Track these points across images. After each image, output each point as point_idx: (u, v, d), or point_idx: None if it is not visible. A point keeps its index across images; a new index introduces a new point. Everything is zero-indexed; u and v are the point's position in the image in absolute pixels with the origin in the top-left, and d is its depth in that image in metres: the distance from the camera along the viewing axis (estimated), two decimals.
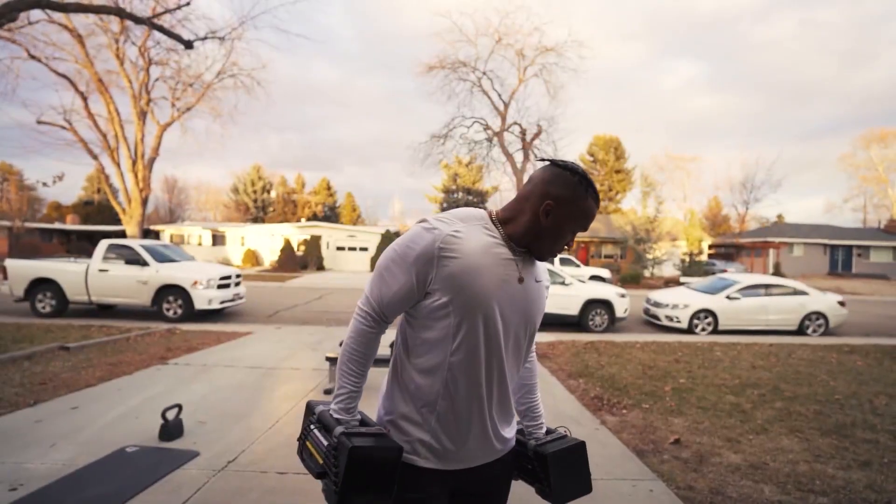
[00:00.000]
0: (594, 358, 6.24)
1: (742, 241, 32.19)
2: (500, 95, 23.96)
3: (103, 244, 9.09)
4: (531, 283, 1.15)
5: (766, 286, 10.51)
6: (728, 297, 10.18)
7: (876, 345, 7.94)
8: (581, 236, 30.10)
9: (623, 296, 9.79)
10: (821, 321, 10.09)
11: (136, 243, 9.30)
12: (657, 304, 10.53)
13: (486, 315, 1.07)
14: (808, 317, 10.09)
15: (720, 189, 49.75)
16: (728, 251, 33.17)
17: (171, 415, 3.21)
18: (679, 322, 9.92)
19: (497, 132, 23.91)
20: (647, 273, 22.87)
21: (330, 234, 27.01)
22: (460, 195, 40.26)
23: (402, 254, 1.09)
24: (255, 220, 42.98)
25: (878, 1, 65.94)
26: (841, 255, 31.60)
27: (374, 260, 25.92)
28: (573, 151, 45.77)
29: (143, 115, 18.00)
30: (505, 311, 1.10)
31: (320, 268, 24.34)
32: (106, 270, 8.80)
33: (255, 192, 46.27)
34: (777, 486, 2.82)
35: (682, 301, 10.18)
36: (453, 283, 1.05)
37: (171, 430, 3.16)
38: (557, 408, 4.22)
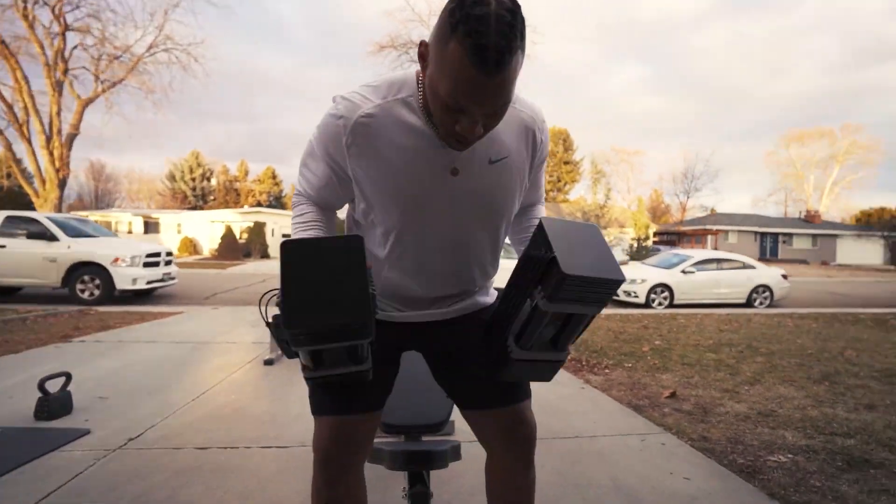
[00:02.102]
0: None
1: (683, 228, 33.71)
2: None
3: None
4: (476, 170, 0.89)
5: (718, 261, 10.71)
6: (683, 272, 10.25)
7: (821, 312, 8.17)
8: None
9: None
10: (766, 293, 10.37)
11: (43, 215, 8.02)
12: None
13: (413, 228, 0.91)
14: (755, 289, 10.34)
15: (663, 180, 51.98)
16: (671, 238, 34.57)
17: (53, 387, 2.45)
18: (637, 297, 9.88)
19: None
20: None
21: (276, 221, 25.48)
22: None
23: (312, 147, 0.94)
24: (194, 209, 40.24)
25: (796, 18, 71.82)
26: (769, 242, 33.72)
27: None
28: None
29: (58, 87, 15.96)
30: (438, 216, 0.90)
31: (265, 256, 22.90)
32: (3, 247, 7.50)
33: (193, 179, 43.22)
34: (798, 431, 2.49)
35: (639, 276, 10.14)
36: (369, 187, 0.89)
37: (53, 406, 2.40)
38: None
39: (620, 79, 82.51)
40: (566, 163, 46.03)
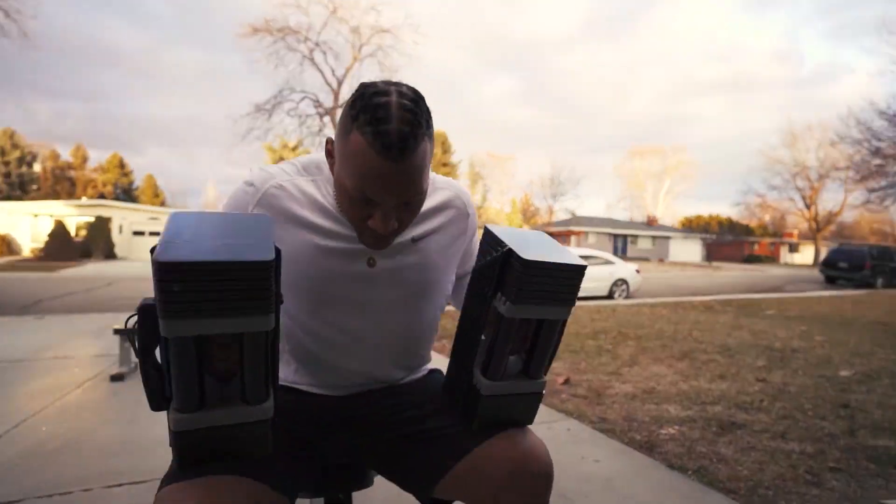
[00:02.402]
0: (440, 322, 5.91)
1: (551, 229, 36.89)
2: (333, 72, 22.54)
3: None
4: (397, 254, 0.82)
5: (584, 258, 11.74)
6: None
7: (666, 301, 9.44)
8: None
9: None
10: (624, 286, 11.67)
11: None
12: None
13: (314, 325, 0.83)
14: (615, 283, 11.57)
15: (533, 185, 56.31)
16: None
17: None
18: None
19: (329, 109, 22.45)
20: None
21: (124, 216, 21.99)
22: None
23: None
24: (9, 198, 32.97)
25: (638, 51, 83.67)
26: (620, 242, 38.52)
27: None
28: None
29: None
30: (351, 312, 0.83)
31: (110, 256, 19.60)
32: None
33: (6, 163, 35.47)
34: (677, 404, 2.72)
35: None
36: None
37: None
38: None
39: (494, 88, 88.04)
40: (444, 165, 47.38)
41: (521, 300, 0.69)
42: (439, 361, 0.93)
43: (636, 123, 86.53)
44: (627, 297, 11.51)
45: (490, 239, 0.76)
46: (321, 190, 0.81)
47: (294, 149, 34.50)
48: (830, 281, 16.66)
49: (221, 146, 79.26)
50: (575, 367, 3.66)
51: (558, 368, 3.61)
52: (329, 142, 0.76)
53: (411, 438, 0.85)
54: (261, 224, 0.62)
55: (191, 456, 0.62)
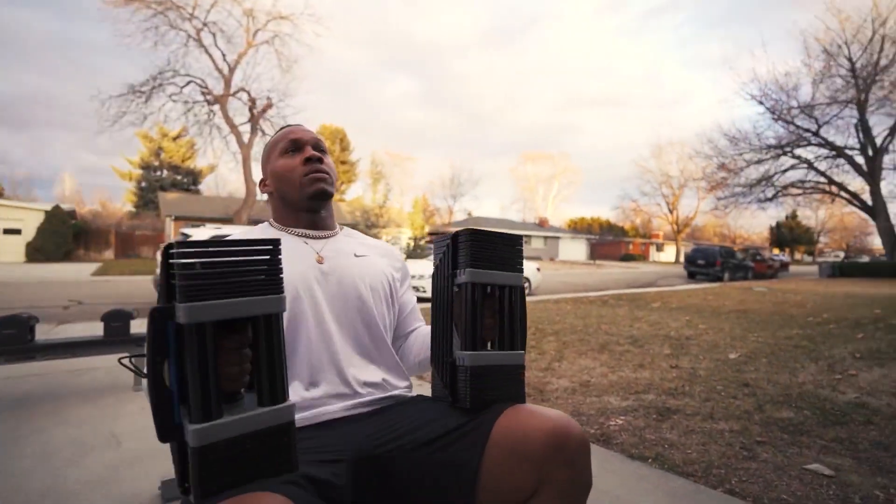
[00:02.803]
0: None
1: (451, 229, 37.81)
2: (224, 56, 20.62)
3: None
4: (341, 259, 1.04)
5: None
6: None
7: (566, 297, 10.14)
8: None
9: None
10: (527, 283, 12.31)
11: None
12: None
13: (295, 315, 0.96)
14: None
15: (433, 184, 57.22)
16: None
17: None
18: (425, 291, 10.41)
19: (220, 97, 20.53)
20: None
21: None
22: (165, 173, 33.38)
23: None
24: None
25: (529, 62, 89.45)
26: None
27: (33, 247, 18.66)
28: None
29: None
30: (315, 303, 0.98)
31: None
32: None
33: None
34: (615, 395, 2.88)
35: (426, 271, 10.75)
36: None
37: None
38: None
39: (395, 88, 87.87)
40: (343, 162, 46.09)
41: (475, 264, 0.83)
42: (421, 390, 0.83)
43: (528, 130, 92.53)
44: (529, 294, 12.16)
45: (438, 239, 0.93)
46: (266, 230, 1.07)
47: (175, 138, 30.97)
48: (691, 276, 19.25)
49: (82, 131, 68.41)
50: None
51: None
52: (261, 182, 1.10)
53: (430, 447, 0.84)
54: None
55: (215, 481, 0.55)
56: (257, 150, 21.37)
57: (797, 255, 53.52)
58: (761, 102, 23.36)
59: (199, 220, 19.51)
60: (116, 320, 3.01)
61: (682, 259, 40.58)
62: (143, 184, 32.60)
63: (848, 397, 2.95)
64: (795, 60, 43.47)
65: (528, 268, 12.53)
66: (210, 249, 0.56)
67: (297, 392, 0.88)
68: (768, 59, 51.23)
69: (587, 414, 2.57)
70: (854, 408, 2.74)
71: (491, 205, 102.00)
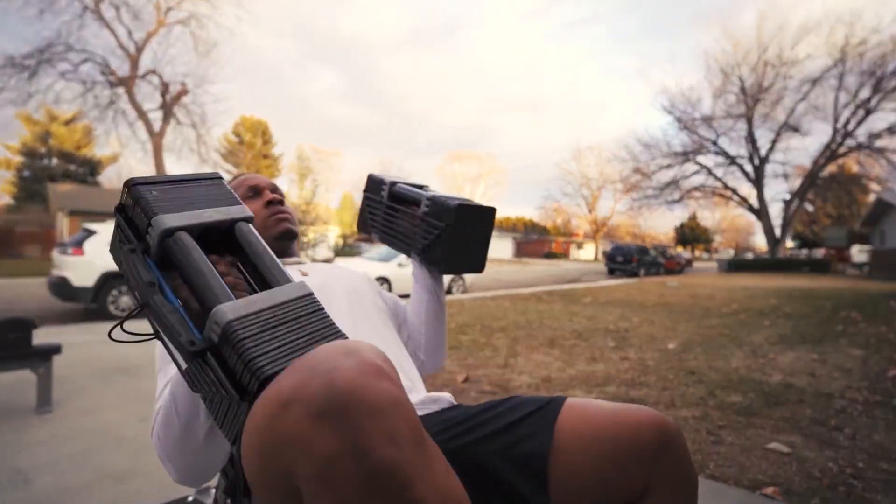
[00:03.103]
0: None
1: None
2: (130, 34, 18.60)
3: None
4: (320, 269, 1.05)
5: None
6: (399, 265, 11.14)
7: (501, 294, 10.36)
8: None
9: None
10: (461, 281, 12.38)
11: None
12: None
13: None
14: (453, 279, 12.19)
15: (362, 181, 56.20)
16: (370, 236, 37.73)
17: None
18: None
19: (125, 78, 18.51)
20: (303, 255, 23.01)
21: None
22: (55, 161, 29.53)
23: None
24: None
25: (457, 61, 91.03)
26: None
27: None
28: (220, 127, 41.78)
29: None
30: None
31: None
32: None
33: None
34: (580, 389, 2.93)
35: (360, 270, 10.47)
36: None
37: None
38: None
39: (320, 83, 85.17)
40: (265, 156, 43.74)
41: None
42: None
43: (456, 130, 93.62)
44: (464, 291, 12.26)
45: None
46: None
47: (68, 122, 27.50)
48: (611, 272, 20.53)
49: None
50: (465, 364, 3.66)
51: (451, 366, 3.57)
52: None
53: (496, 441, 0.75)
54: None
55: (267, 355, 0.48)
56: (171, 138, 19.61)
57: (697, 253, 59.30)
58: (670, 112, 25.57)
59: (102, 216, 17.51)
60: (13, 331, 2.54)
61: (600, 256, 43.37)
62: (26, 173, 28.61)
63: (776, 379, 3.23)
64: (699, 76, 48.13)
65: None
66: (162, 182, 0.59)
67: None
68: (676, 74, 56.43)
69: None
70: (784, 388, 3.00)
71: None
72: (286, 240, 1.02)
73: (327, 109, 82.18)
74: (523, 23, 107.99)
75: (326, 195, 43.59)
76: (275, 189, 1.07)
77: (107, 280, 6.29)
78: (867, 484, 1.82)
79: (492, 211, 1.02)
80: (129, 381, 3.12)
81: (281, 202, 1.03)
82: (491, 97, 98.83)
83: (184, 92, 19.55)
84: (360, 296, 0.98)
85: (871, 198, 22.65)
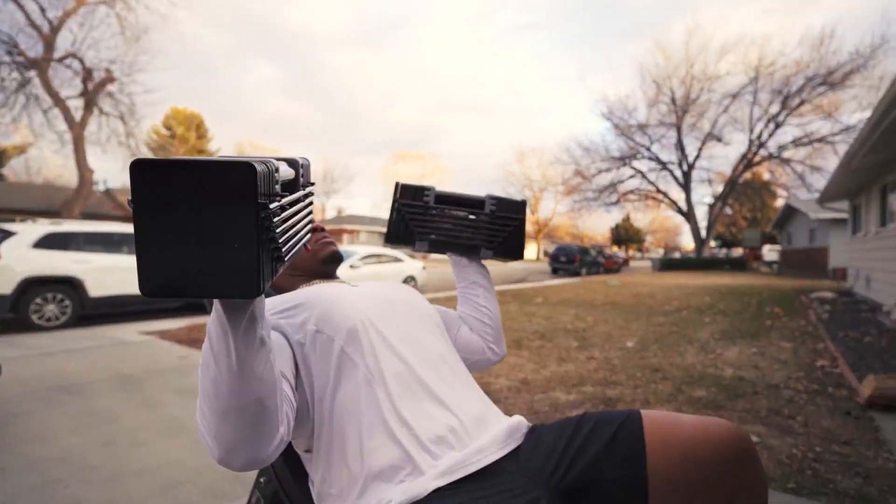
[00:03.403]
0: None
1: (325, 227, 36.38)
2: (44, 11, 16.79)
3: None
4: (366, 284, 1.10)
5: (378, 256, 12.02)
6: (351, 266, 10.94)
7: (453, 294, 10.45)
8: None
9: None
10: (414, 282, 12.36)
11: None
12: None
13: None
14: (406, 279, 12.14)
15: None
16: None
17: None
18: None
19: (37, 60, 16.71)
20: None
21: None
22: None
23: None
24: None
25: (403, 60, 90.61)
26: None
27: None
28: (152, 120, 38.94)
29: None
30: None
31: None
32: None
33: None
34: (558, 391, 3.01)
35: None
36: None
37: None
38: None
39: (258, 76, 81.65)
40: (200, 151, 41.33)
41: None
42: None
43: (401, 130, 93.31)
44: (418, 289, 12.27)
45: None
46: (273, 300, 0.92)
47: None
48: (555, 271, 21.27)
49: None
50: None
51: None
52: None
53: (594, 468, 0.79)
54: None
55: None
56: (95, 129, 18.00)
57: (630, 252, 62.86)
58: (609, 119, 26.90)
59: (12, 213, 15.72)
60: None
61: (542, 256, 44.80)
62: None
63: (728, 373, 3.51)
64: (635, 85, 50.97)
65: (415, 266, 12.61)
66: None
67: (446, 453, 0.76)
68: (614, 82, 59.44)
69: (543, 411, 2.64)
70: (738, 382, 3.27)
71: (363, 203, 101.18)
72: (333, 262, 1.06)
73: (266, 104, 79.02)
74: (468, 25, 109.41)
75: None
76: (324, 229, 1.14)
77: (28, 286, 5.68)
78: (827, 466, 2.03)
79: (526, 203, 1.17)
80: (80, 401, 2.84)
81: (322, 229, 1.09)
82: (435, 97, 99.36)
83: (109, 79, 17.97)
84: (419, 309, 1.00)
85: (780, 203, 25.16)
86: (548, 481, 0.76)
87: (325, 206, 44.28)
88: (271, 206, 0.50)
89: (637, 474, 0.75)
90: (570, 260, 20.81)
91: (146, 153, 24.18)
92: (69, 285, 6.03)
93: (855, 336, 4.96)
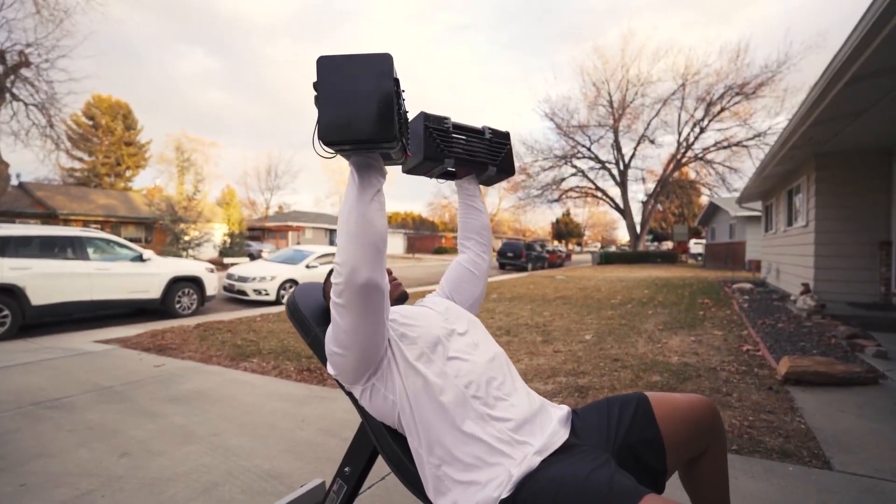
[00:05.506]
0: (225, 338, 5.19)
1: (269, 224, 35.06)
2: None
3: None
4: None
5: (333, 255, 11.97)
6: (307, 266, 10.86)
7: (411, 290, 10.66)
8: (96, 215, 23.91)
9: (212, 271, 8.64)
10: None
11: None
12: (242, 279, 9.94)
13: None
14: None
15: (248, 175, 52.07)
16: (255, 234, 35.29)
17: None
18: (268, 294, 9.76)
19: None
20: (184, 255, 20.83)
21: None
22: None
23: None
24: None
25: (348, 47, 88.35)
26: (334, 237, 40.04)
27: None
28: (70, 107, 35.49)
29: None
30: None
31: None
32: None
33: None
34: (536, 382, 3.35)
35: (268, 273, 10.06)
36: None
37: None
38: (267, 406, 3.25)
39: (191, 65, 76.82)
40: (128, 143, 38.37)
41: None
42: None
43: None
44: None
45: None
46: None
47: None
48: (502, 266, 21.99)
49: None
50: None
51: None
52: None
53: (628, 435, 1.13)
54: None
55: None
56: (7, 117, 16.41)
57: (570, 246, 65.74)
58: (552, 119, 28.01)
59: None
60: None
61: None
62: None
63: (675, 360, 4.02)
64: (576, 88, 53.04)
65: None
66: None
67: (534, 438, 1.06)
68: (556, 83, 61.54)
69: None
70: (684, 367, 3.77)
71: (307, 199, 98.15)
72: (402, 301, 1.38)
73: (202, 95, 74.53)
74: (409, 23, 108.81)
75: (202, 187, 39.58)
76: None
77: None
78: (758, 431, 2.51)
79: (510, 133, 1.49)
80: (68, 416, 2.80)
81: (390, 271, 1.33)
82: None
83: (24, 63, 16.42)
84: (470, 318, 1.37)
85: (705, 200, 27.46)
86: (606, 446, 1.08)
87: (269, 203, 42.70)
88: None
89: (655, 435, 1.11)
90: (517, 255, 21.55)
91: (68, 145, 22.22)
92: (8, 294, 5.66)
93: (770, 322, 5.74)
